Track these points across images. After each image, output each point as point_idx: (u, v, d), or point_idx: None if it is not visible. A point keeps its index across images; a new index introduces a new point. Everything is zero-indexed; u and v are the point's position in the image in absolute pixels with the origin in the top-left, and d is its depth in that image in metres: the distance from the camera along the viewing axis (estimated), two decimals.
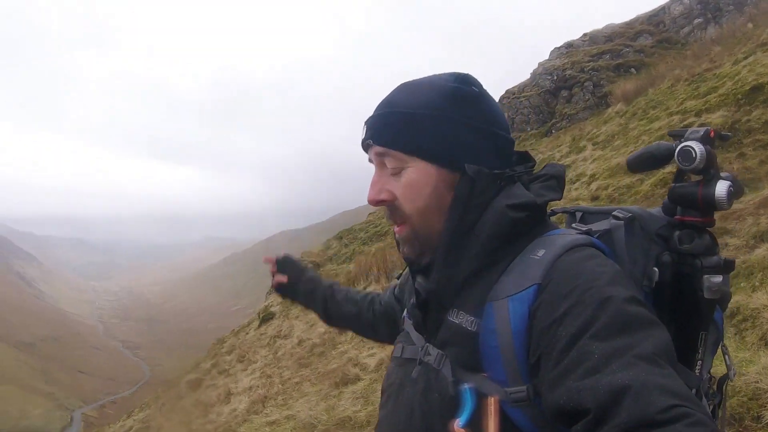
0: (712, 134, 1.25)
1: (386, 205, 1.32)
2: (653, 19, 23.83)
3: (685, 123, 9.74)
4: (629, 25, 24.87)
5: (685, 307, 1.22)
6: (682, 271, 1.23)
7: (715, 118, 9.07)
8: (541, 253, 1.16)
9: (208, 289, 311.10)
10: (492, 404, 1.09)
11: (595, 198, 9.52)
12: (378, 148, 1.30)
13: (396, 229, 1.34)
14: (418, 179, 1.26)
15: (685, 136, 1.27)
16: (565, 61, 22.93)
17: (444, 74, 1.33)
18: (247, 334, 17.81)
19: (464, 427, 1.10)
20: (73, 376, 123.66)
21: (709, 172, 1.22)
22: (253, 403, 9.39)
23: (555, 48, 26.16)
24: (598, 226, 1.32)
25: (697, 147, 1.21)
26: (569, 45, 25.63)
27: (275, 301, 18.00)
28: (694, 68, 13.31)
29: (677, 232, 1.26)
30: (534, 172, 1.35)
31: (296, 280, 2.06)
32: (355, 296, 2.02)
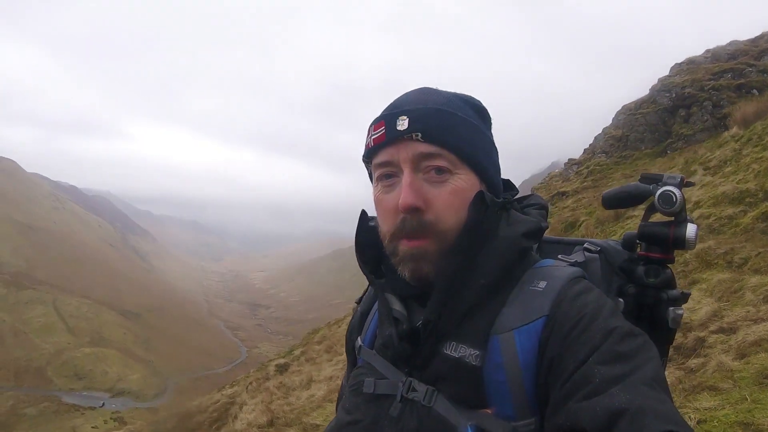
0: (684, 181, 1.32)
1: (416, 215, 1.17)
2: None
3: None
4: (754, 42, 23.54)
5: (651, 335, 1.17)
6: (644, 302, 1.29)
7: None
8: (542, 284, 1.16)
9: (311, 280, 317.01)
10: None
11: None
12: (427, 147, 1.18)
13: (412, 243, 1.19)
14: (465, 188, 1.19)
15: (663, 180, 1.32)
16: (686, 78, 22.02)
17: (463, 94, 1.29)
18: (339, 327, 18.22)
19: None
20: (173, 347, 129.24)
21: (681, 214, 1.29)
22: (331, 391, 9.68)
23: (676, 63, 25.16)
24: (577, 257, 1.34)
25: (677, 192, 1.28)
26: (691, 61, 24.59)
27: None
28: None
29: (641, 267, 1.32)
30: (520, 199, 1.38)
31: None
32: None
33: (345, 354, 1.59)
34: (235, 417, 11.55)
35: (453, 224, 1.17)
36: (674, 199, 1.28)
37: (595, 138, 25.46)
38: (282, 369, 15.73)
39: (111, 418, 72.54)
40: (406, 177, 1.18)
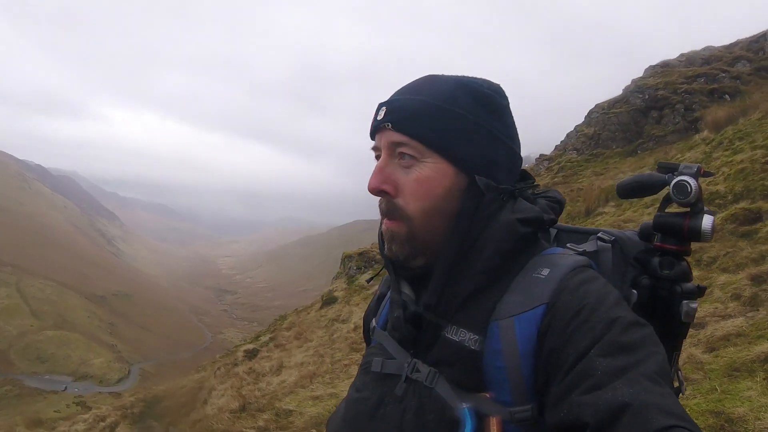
0: (702, 171, 1.28)
1: (386, 197, 1.25)
2: (753, 46, 22.82)
3: (766, 159, 9.42)
4: (728, 49, 23.89)
5: (661, 328, 1.20)
6: (659, 295, 1.26)
7: None
8: (545, 272, 1.16)
9: (278, 267, 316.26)
10: (494, 425, 1.08)
11: None
12: (396, 135, 1.23)
13: (387, 224, 1.27)
14: (431, 177, 1.21)
15: (679, 170, 1.29)
16: (659, 80, 22.28)
17: (477, 78, 1.29)
18: (308, 314, 18.22)
19: None
20: (138, 332, 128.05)
21: (697, 205, 1.26)
22: (302, 377, 9.71)
23: (650, 66, 25.47)
24: (586, 246, 1.33)
25: (692, 182, 1.24)
26: (665, 64, 24.91)
27: (339, 287, 18.38)
28: None
29: (657, 258, 1.29)
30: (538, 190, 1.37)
31: None
32: None
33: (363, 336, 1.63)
34: (205, 402, 11.54)
35: (416, 210, 1.21)
36: (689, 189, 1.24)
37: (567, 135, 25.66)
38: (251, 355, 15.69)
39: (74, 402, 71.48)
40: (378, 162, 1.26)
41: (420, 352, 1.23)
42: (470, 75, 1.30)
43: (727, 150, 12.02)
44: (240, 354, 16.35)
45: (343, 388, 7.63)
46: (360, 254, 20.94)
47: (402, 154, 1.23)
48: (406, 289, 1.30)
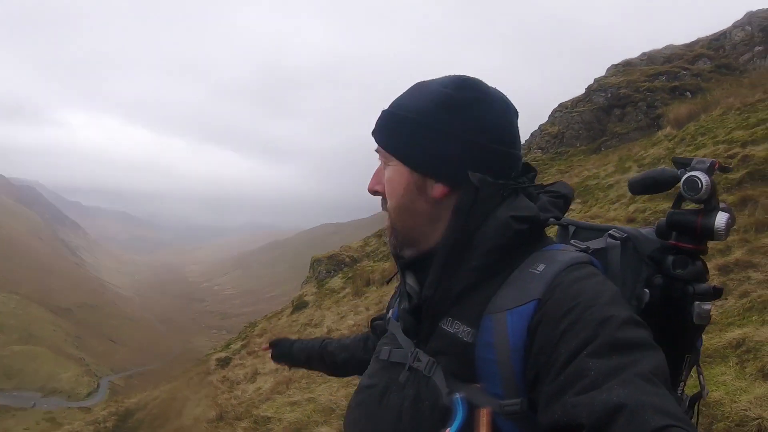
0: (716, 166, 1.25)
1: (381, 196, 1.38)
2: (714, 44, 23.31)
3: (729, 153, 9.59)
4: (689, 47, 24.33)
5: (673, 329, 1.22)
6: (672, 295, 1.22)
7: (759, 151, 8.91)
8: (541, 267, 1.16)
9: (246, 273, 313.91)
10: (484, 416, 1.09)
11: (631, 220, 9.46)
12: (377, 144, 1.37)
13: (387, 221, 1.39)
14: (393, 177, 1.32)
15: (691, 165, 1.26)
16: (621, 79, 22.62)
17: (447, 77, 1.33)
18: (279, 319, 18.13)
19: None
20: (105, 344, 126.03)
21: (711, 202, 1.22)
22: (278, 384, 9.65)
23: (612, 65, 25.84)
24: (595, 243, 1.33)
25: (704, 178, 1.21)
26: (627, 63, 25.28)
27: (310, 291, 18.31)
28: (747, 97, 13.05)
29: (671, 257, 1.25)
30: (542, 184, 1.38)
31: (289, 353, 2.21)
32: (346, 342, 2.05)
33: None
34: (180, 413, 11.41)
35: (390, 207, 1.34)
36: (699, 185, 1.21)
37: (532, 134, 25.94)
38: (224, 363, 15.55)
39: (43, 419, 70.05)
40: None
41: (421, 342, 1.28)
42: (448, 75, 1.34)
43: (689, 146, 12.26)
44: (212, 362, 16.19)
45: (321, 392, 7.63)
46: (329, 258, 20.91)
47: (381, 160, 1.38)
48: (411, 281, 1.35)
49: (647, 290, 1.24)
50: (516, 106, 1.36)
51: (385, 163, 1.35)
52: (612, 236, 1.32)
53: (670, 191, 1.38)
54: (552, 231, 1.47)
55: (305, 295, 18.21)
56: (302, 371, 9.76)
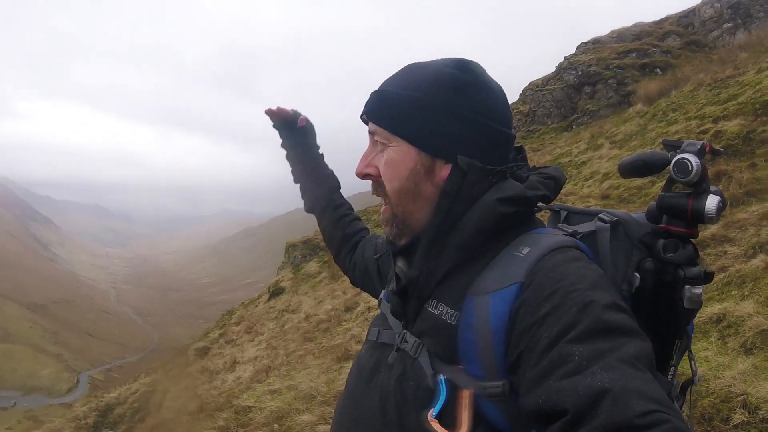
0: (707, 148, 1.25)
1: (372, 180, 1.35)
2: (683, 21, 23.43)
3: (701, 129, 9.66)
4: (658, 24, 24.47)
5: (664, 314, 1.22)
6: (663, 279, 1.22)
7: (731, 126, 8.97)
8: (525, 250, 1.16)
9: (221, 261, 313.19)
10: (466, 397, 1.10)
11: (605, 197, 9.53)
12: (371, 125, 1.33)
13: (383, 209, 1.36)
14: (396, 159, 1.28)
15: (682, 147, 1.26)
16: (591, 56, 22.68)
17: (447, 59, 1.32)
18: (256, 306, 18.03)
19: (437, 417, 1.10)
20: (83, 339, 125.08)
21: (701, 185, 1.22)
22: (258, 372, 9.60)
23: (582, 43, 25.89)
24: (584, 227, 1.33)
25: (694, 160, 1.20)
26: (596, 41, 25.35)
27: (286, 277, 18.23)
28: (717, 73, 13.16)
29: (662, 241, 1.24)
30: (535, 166, 1.38)
31: (293, 133, 1.98)
32: (336, 185, 2.05)
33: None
34: (160, 406, 11.32)
35: (391, 191, 1.30)
36: (689, 168, 1.20)
37: None
38: (202, 353, 15.45)
39: (25, 417, 69.62)
40: (366, 149, 1.37)
41: (408, 323, 1.31)
42: (447, 57, 1.34)
43: (661, 121, 12.34)
44: (191, 353, 16.09)
45: (301, 379, 7.59)
46: (304, 242, 20.77)
47: (377, 142, 1.33)
48: (401, 263, 1.35)
49: (638, 274, 1.23)
50: None
51: (383, 145, 1.31)
52: (602, 220, 1.32)
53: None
54: (545, 217, 1.48)
55: (281, 281, 18.11)
56: (281, 359, 9.74)
